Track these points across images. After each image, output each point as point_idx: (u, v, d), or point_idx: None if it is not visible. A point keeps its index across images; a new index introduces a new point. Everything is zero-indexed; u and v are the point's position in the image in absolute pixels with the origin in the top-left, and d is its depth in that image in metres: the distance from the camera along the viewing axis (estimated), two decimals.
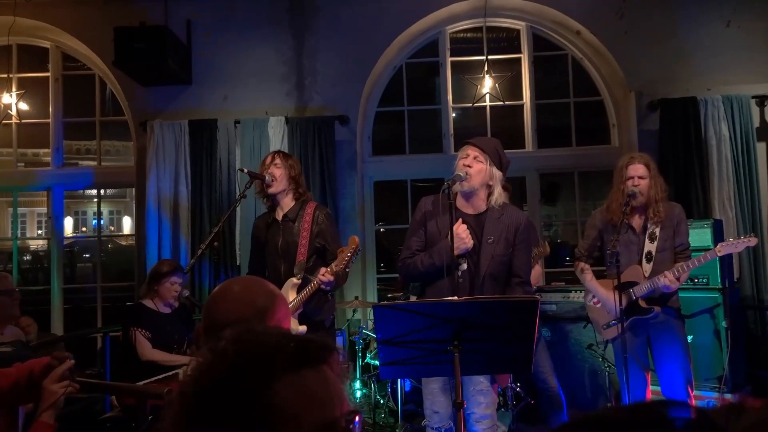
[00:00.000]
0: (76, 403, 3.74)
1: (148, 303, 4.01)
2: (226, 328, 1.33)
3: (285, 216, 3.45)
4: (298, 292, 3.30)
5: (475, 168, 2.81)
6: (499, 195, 2.88)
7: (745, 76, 5.33)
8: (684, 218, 3.55)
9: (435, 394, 2.84)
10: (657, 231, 3.48)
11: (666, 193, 3.54)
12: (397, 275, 7.09)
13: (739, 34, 5.39)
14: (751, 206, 5.08)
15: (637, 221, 3.53)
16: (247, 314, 1.37)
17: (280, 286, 3.13)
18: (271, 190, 3.41)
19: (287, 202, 3.47)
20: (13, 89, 5.82)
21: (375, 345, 4.76)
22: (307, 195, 3.56)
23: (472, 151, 2.85)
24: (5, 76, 5.84)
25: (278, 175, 3.40)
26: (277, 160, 3.45)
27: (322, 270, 3.22)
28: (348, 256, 3.20)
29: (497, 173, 2.87)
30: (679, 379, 3.39)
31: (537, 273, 3.92)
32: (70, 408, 1.85)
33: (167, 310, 4.03)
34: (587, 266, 3.69)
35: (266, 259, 3.50)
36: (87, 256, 13.58)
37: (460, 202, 2.90)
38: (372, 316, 5.32)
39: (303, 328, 3.21)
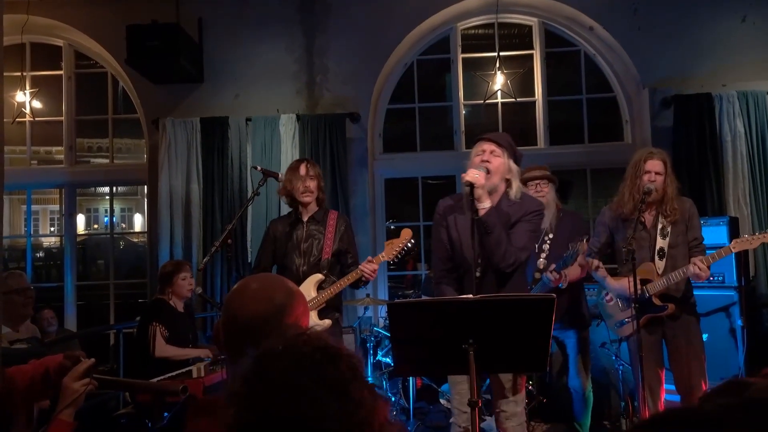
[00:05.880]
0: (90, 400, 3.76)
1: (166, 300, 4.10)
2: (246, 325, 1.35)
3: (311, 217, 3.53)
4: (319, 288, 3.38)
5: (494, 163, 2.80)
6: (518, 189, 2.86)
7: (760, 71, 5.27)
8: (696, 212, 3.51)
9: (463, 395, 2.82)
10: (669, 227, 3.44)
11: (678, 189, 3.50)
12: (407, 273, 7.09)
13: (754, 30, 5.33)
14: (767, 203, 5.02)
15: (648, 217, 3.49)
16: (265, 311, 1.37)
17: (297, 283, 3.17)
18: (307, 200, 3.49)
19: (312, 207, 3.56)
20: (27, 87, 5.86)
21: (386, 343, 4.76)
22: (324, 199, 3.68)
23: (488, 146, 2.84)
24: (19, 74, 5.88)
25: (313, 187, 3.49)
26: (312, 172, 3.52)
27: (369, 258, 3.33)
28: (398, 248, 3.30)
29: (515, 166, 2.87)
30: (694, 378, 3.35)
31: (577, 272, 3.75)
32: (84, 404, 1.85)
33: (181, 308, 4.11)
34: (600, 262, 3.66)
35: (283, 256, 3.53)
36: (98, 253, 13.68)
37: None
38: (383, 314, 5.33)
39: (327, 323, 3.24)
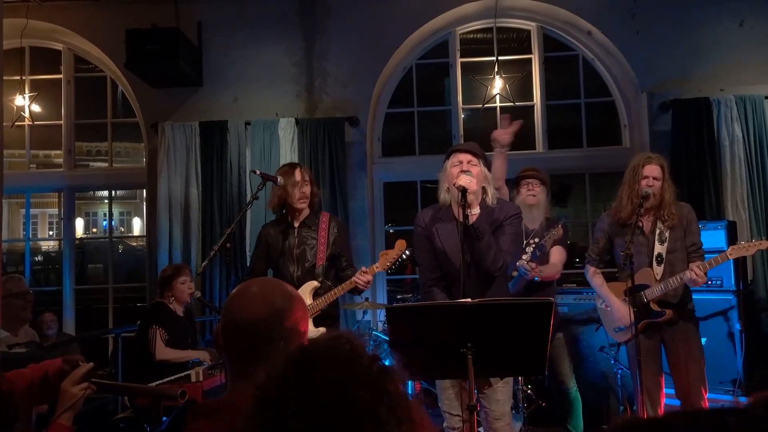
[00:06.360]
0: (89, 404, 3.76)
1: (166, 303, 4.10)
2: (246, 328, 1.35)
3: (303, 222, 3.52)
4: (315, 295, 3.38)
5: (473, 172, 2.84)
6: (493, 195, 2.92)
7: (758, 76, 5.28)
8: (694, 217, 3.51)
9: (452, 399, 2.86)
10: (667, 232, 3.44)
11: (676, 194, 3.51)
12: (406, 277, 7.09)
13: (752, 34, 5.34)
14: (765, 207, 5.03)
15: (646, 222, 3.49)
16: (264, 315, 1.37)
17: None
18: (302, 206, 3.48)
19: (304, 211, 3.54)
20: (26, 91, 5.87)
21: (385, 347, 4.76)
22: (318, 202, 3.66)
23: (464, 157, 2.88)
24: (18, 78, 5.88)
25: (308, 192, 3.49)
26: (307, 177, 3.51)
27: (363, 269, 3.32)
28: (392, 259, 3.32)
29: (489, 174, 2.93)
30: (693, 382, 3.35)
31: (557, 256, 3.84)
32: (83, 408, 1.85)
33: (180, 312, 4.11)
34: (598, 271, 3.66)
35: (277, 262, 3.53)
36: (97, 257, 13.66)
37: (455, 210, 2.88)
38: (382, 318, 5.32)
39: (322, 330, 3.24)
